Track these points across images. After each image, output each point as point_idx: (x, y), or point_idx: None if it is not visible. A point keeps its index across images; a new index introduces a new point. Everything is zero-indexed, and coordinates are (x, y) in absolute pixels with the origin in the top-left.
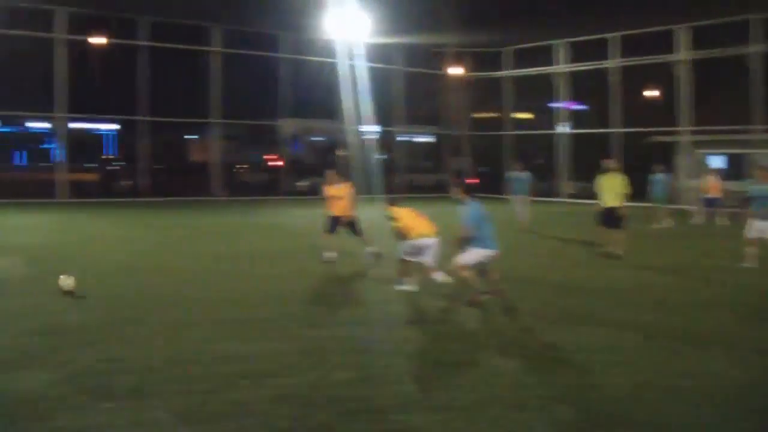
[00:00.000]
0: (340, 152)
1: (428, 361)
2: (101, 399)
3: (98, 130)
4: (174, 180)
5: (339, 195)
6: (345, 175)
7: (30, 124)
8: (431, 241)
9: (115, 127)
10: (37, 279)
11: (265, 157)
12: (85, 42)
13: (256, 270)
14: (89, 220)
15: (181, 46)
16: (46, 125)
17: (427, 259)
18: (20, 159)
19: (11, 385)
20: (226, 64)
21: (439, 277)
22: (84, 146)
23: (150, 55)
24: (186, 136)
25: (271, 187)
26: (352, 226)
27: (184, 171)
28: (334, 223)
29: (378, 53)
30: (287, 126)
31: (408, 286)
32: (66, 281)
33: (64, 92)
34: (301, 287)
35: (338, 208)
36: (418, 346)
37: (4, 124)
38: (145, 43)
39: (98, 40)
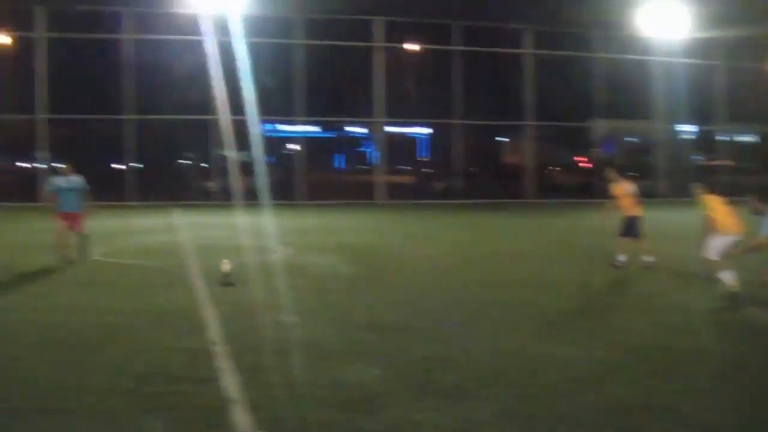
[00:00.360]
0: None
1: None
2: (427, 396)
3: (412, 133)
4: (487, 182)
5: (623, 194)
6: (624, 173)
7: (349, 129)
8: (734, 238)
9: (427, 130)
10: (362, 278)
11: (576, 158)
12: (398, 48)
13: (573, 274)
14: (406, 221)
15: (493, 50)
16: (364, 130)
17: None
18: (340, 162)
19: (344, 376)
20: (537, 65)
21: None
22: (399, 149)
23: (462, 59)
24: (497, 138)
25: (583, 189)
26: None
27: (496, 173)
28: (629, 224)
29: (697, 48)
30: (599, 127)
31: (728, 280)
32: (225, 266)
33: (381, 98)
34: (618, 291)
35: (628, 209)
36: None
37: (326, 130)
38: (459, 48)
39: (411, 46)
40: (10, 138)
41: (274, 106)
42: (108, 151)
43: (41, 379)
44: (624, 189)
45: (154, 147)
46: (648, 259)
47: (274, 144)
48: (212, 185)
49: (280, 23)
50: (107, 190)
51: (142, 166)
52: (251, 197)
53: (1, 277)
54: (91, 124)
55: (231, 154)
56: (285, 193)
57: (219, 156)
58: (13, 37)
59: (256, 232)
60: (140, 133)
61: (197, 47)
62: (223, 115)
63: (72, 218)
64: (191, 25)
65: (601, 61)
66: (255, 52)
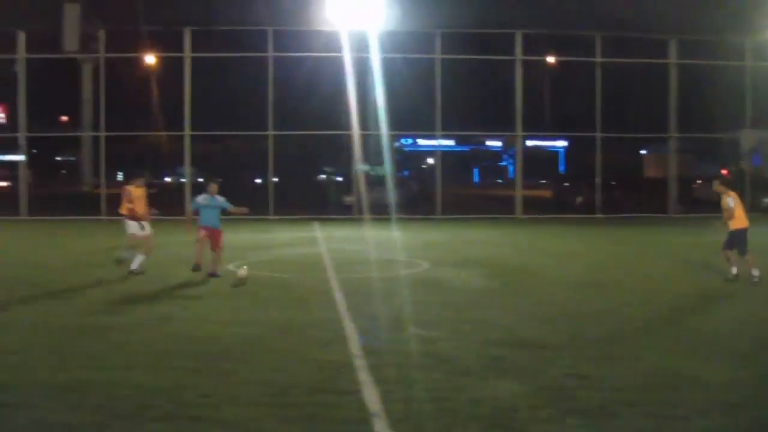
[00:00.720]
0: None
1: None
2: (570, 414)
3: (550, 147)
4: (628, 196)
5: (730, 207)
6: (731, 185)
7: (487, 143)
8: None
9: (564, 143)
10: (500, 292)
11: (723, 171)
12: (540, 61)
13: (720, 292)
14: (544, 236)
15: (635, 61)
16: (498, 143)
17: None
18: (477, 176)
19: (485, 392)
20: (681, 75)
21: None
22: (537, 162)
23: (603, 71)
24: (640, 151)
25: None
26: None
27: (637, 186)
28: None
29: None
30: (747, 137)
31: None
32: (242, 272)
33: (520, 111)
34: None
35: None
36: None
37: (462, 144)
38: (598, 59)
39: (551, 59)
40: (159, 154)
41: (412, 120)
42: (250, 165)
43: (189, 387)
44: (731, 201)
45: (293, 162)
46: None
47: (411, 158)
48: (350, 199)
49: (418, 38)
50: (249, 205)
51: (280, 180)
52: (388, 211)
53: (156, 289)
54: (234, 140)
55: (369, 168)
56: (421, 207)
57: (357, 170)
58: (161, 58)
59: (393, 246)
60: (281, 148)
61: (337, 63)
62: (361, 130)
63: (211, 234)
64: (332, 42)
65: (747, 69)
66: (394, 67)
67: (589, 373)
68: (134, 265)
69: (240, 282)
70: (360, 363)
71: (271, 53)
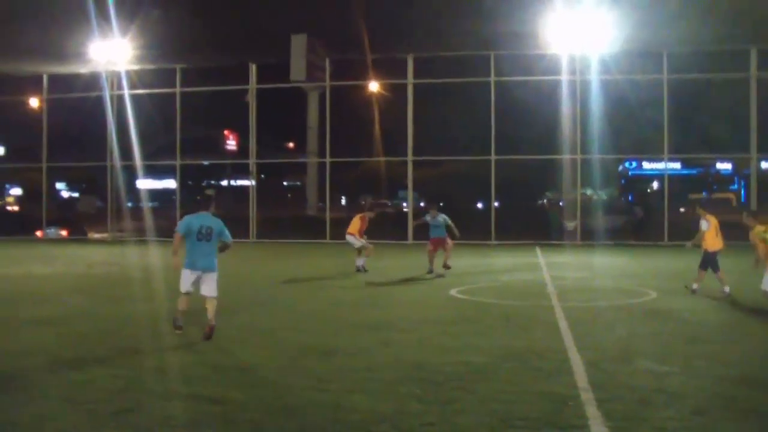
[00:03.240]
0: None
1: None
2: None
3: None
4: None
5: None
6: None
7: (718, 165)
8: None
9: None
10: (737, 325)
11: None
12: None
13: None
14: None
15: None
16: (727, 165)
17: None
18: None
19: None
20: None
21: None
22: None
23: None
24: None
25: None
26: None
27: None
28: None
29: None
30: None
31: None
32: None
33: (755, 131)
34: None
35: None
36: None
37: (689, 166)
38: None
39: None
40: (381, 179)
41: (636, 143)
42: (470, 190)
43: (412, 414)
44: (704, 225)
45: (514, 186)
46: None
47: (636, 182)
48: (572, 224)
49: (643, 58)
50: (471, 229)
51: (501, 205)
52: (611, 237)
53: (378, 314)
54: (453, 165)
55: (590, 192)
56: (647, 233)
57: (578, 195)
58: (385, 85)
59: (618, 273)
60: (502, 172)
61: (558, 86)
62: (584, 154)
63: (438, 242)
64: (553, 65)
65: None
66: (617, 88)
67: None
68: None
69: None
70: (587, 396)
71: (492, 78)
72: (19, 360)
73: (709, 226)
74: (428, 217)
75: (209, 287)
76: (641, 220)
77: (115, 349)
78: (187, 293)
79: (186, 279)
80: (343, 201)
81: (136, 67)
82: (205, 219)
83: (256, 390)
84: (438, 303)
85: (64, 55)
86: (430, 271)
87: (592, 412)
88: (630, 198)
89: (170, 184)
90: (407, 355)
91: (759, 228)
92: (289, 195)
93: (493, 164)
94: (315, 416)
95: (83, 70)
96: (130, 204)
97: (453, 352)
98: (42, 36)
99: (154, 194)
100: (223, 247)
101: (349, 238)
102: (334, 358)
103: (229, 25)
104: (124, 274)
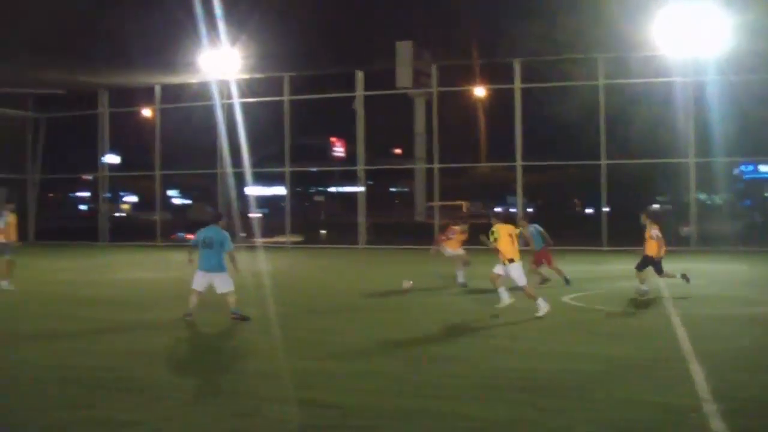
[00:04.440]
0: None
1: None
2: None
3: None
4: None
5: None
6: None
7: None
8: None
9: None
10: None
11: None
12: None
13: None
14: None
15: None
16: None
17: None
18: None
19: None
20: None
21: None
22: None
23: None
24: None
25: None
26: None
27: None
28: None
29: None
30: None
31: None
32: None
33: None
34: None
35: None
36: None
37: None
38: None
39: None
40: (490, 184)
41: (753, 145)
42: (579, 195)
43: (522, 421)
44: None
45: (625, 191)
46: None
47: (752, 186)
48: (687, 230)
49: (755, 57)
50: (580, 235)
51: (612, 210)
52: (729, 243)
53: (485, 321)
54: (562, 170)
55: (706, 197)
56: (765, 238)
57: (692, 199)
58: (491, 90)
59: (736, 281)
60: (612, 177)
61: (669, 88)
62: (697, 157)
63: (543, 255)
64: (664, 67)
65: None
66: (731, 90)
67: None
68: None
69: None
70: (710, 408)
71: (601, 81)
72: (136, 361)
73: (654, 234)
74: (533, 229)
75: (220, 285)
76: (759, 224)
77: (229, 353)
78: (198, 292)
79: (197, 279)
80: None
81: (245, 76)
82: (210, 231)
83: (372, 396)
84: (550, 310)
85: (175, 65)
86: (545, 281)
87: (717, 425)
88: (747, 202)
89: (279, 190)
90: (520, 363)
91: None
92: (396, 201)
93: (603, 169)
94: (429, 423)
95: (194, 80)
96: (240, 211)
97: (567, 359)
98: (154, 48)
99: (264, 201)
100: (229, 257)
101: (451, 252)
102: (446, 365)
103: (336, 34)
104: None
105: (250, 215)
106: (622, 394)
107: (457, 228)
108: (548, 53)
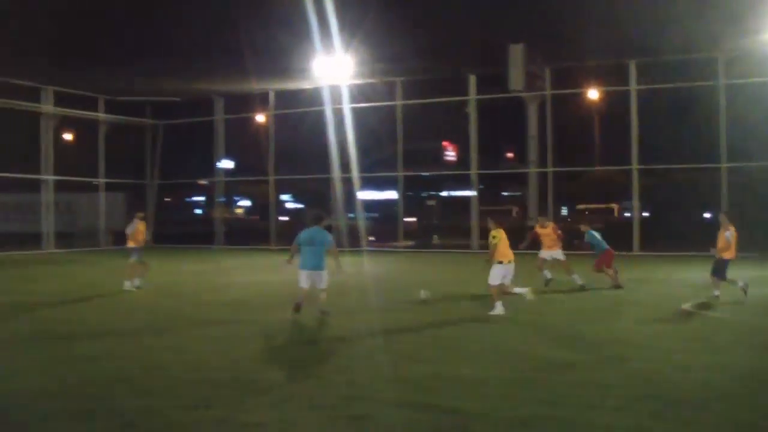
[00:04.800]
0: None
1: None
2: None
3: None
4: None
5: None
6: None
7: None
8: None
9: None
10: None
11: None
12: None
13: None
14: None
15: None
16: None
17: None
18: None
19: None
20: None
21: None
22: None
23: None
24: None
25: None
26: None
27: None
28: None
29: None
30: None
31: None
32: (424, 293)
33: None
34: None
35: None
36: None
37: None
38: None
39: None
40: (605, 188)
41: None
42: (697, 199)
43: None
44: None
45: (744, 195)
46: None
47: None
48: None
49: None
50: (701, 240)
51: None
52: None
53: (608, 327)
54: (678, 173)
55: None
56: None
57: None
58: (606, 92)
59: None
60: (734, 180)
61: None
62: None
63: (608, 256)
64: None
65: None
66: None
67: None
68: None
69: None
70: None
71: (722, 81)
72: (256, 363)
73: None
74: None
75: (320, 282)
76: None
77: (346, 356)
78: (305, 289)
79: (302, 278)
80: (564, 211)
81: (357, 81)
82: (313, 231)
83: (491, 402)
84: (670, 317)
85: (289, 72)
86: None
87: None
88: None
89: (390, 195)
90: (643, 371)
91: None
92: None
93: (723, 173)
94: (549, 431)
95: (307, 85)
96: (351, 215)
97: (691, 369)
98: (269, 55)
99: (376, 205)
100: (331, 254)
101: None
102: (568, 372)
103: (448, 37)
104: (355, 283)
105: (362, 219)
106: (749, 408)
107: (545, 230)
108: (666, 53)
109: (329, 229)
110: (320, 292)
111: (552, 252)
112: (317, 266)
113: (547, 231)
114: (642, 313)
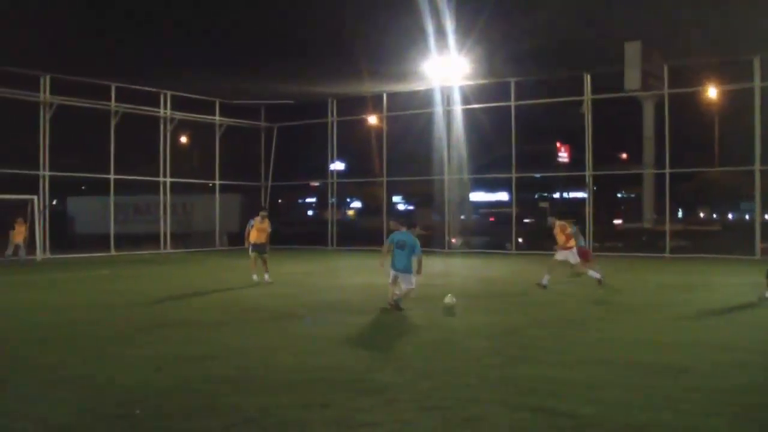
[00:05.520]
0: None
1: None
2: None
3: None
4: None
5: None
6: None
7: None
8: None
9: None
10: None
11: None
12: None
13: None
14: None
15: None
16: None
17: None
18: None
19: None
20: None
21: None
22: None
23: None
24: None
25: None
26: None
27: None
28: None
29: None
30: None
31: None
32: (449, 300)
33: None
34: None
35: None
36: None
37: None
38: None
39: None
40: (722, 189)
41: None
42: None
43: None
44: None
45: None
46: None
47: None
48: None
49: None
50: None
51: None
52: None
53: (726, 331)
54: None
55: None
56: None
57: None
58: (726, 90)
59: None
60: None
61: None
62: None
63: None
64: None
65: None
66: None
67: None
68: (596, 274)
69: (448, 310)
70: None
71: None
72: (369, 362)
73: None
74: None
75: (405, 283)
76: None
77: (458, 358)
78: (393, 287)
79: (391, 276)
80: (680, 213)
81: (470, 83)
82: (402, 235)
83: (606, 407)
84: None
85: (402, 74)
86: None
87: None
88: None
89: (502, 196)
90: (764, 378)
91: None
92: (622, 207)
93: None
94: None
95: (420, 87)
96: (462, 217)
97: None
98: (383, 57)
99: (488, 207)
100: (416, 261)
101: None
102: (685, 377)
103: (563, 37)
104: (462, 285)
105: (471, 221)
106: None
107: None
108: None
109: (418, 235)
110: (406, 290)
111: (566, 252)
112: (406, 269)
113: (556, 231)
114: (754, 319)
